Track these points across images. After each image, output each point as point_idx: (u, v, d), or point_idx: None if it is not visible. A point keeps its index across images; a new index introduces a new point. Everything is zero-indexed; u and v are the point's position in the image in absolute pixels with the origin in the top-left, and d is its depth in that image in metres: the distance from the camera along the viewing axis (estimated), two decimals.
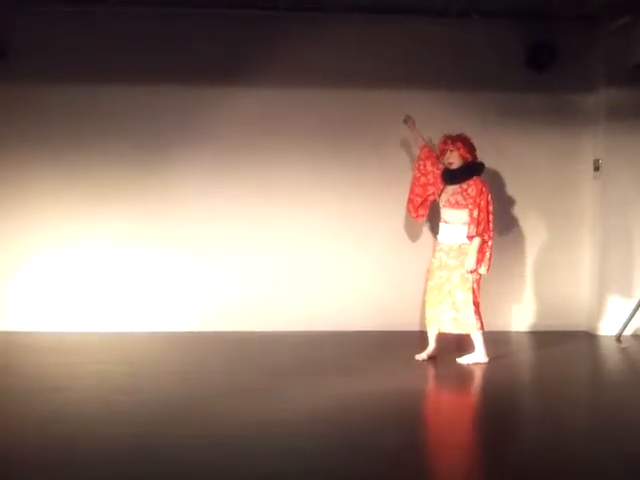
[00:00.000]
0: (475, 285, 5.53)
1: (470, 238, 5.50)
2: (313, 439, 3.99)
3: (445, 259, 5.59)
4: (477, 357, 5.58)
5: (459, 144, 5.62)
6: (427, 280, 5.78)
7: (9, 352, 5.93)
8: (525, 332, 6.76)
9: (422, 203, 5.88)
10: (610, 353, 6.20)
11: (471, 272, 5.48)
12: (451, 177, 5.64)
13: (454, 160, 5.63)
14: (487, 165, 6.48)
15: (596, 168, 6.71)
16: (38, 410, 4.44)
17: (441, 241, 5.65)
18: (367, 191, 6.67)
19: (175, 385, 4.99)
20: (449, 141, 5.65)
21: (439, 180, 5.74)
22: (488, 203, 5.54)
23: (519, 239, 6.79)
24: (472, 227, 5.48)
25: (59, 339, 6.25)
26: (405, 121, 5.97)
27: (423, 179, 5.84)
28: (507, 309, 6.81)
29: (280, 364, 5.56)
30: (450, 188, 5.64)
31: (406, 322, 6.57)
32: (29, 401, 4.61)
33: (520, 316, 6.82)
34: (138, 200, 6.59)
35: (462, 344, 5.76)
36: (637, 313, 6.45)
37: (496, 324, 6.67)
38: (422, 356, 5.69)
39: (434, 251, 5.74)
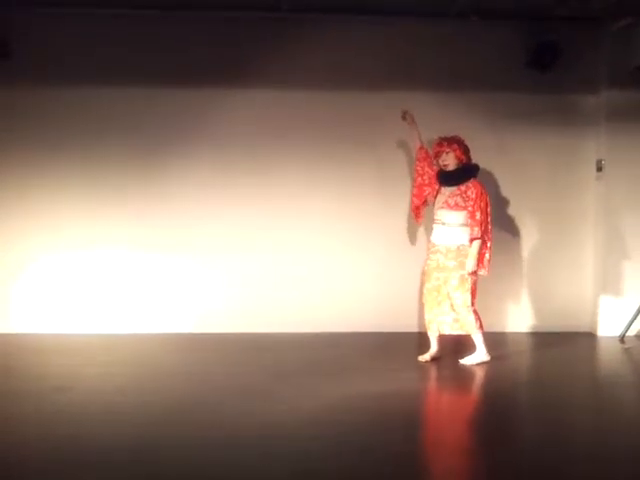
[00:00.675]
0: (473, 286, 5.54)
1: (473, 240, 5.50)
2: (315, 440, 3.98)
3: (443, 260, 5.58)
4: (479, 356, 5.59)
5: (455, 145, 5.62)
6: (423, 282, 5.77)
7: (12, 354, 5.94)
8: (528, 333, 6.74)
9: (421, 204, 5.87)
10: (614, 354, 6.18)
11: (471, 274, 5.49)
12: (448, 179, 5.64)
13: (450, 162, 5.63)
14: (489, 165, 6.56)
15: (599, 168, 6.71)
16: (40, 411, 4.45)
17: (437, 242, 5.63)
18: (367, 192, 6.65)
19: (177, 386, 4.99)
20: (444, 143, 5.64)
21: (434, 181, 5.73)
22: (487, 205, 5.58)
23: (521, 239, 6.78)
24: (476, 229, 5.50)
25: (61, 341, 6.25)
26: (403, 117, 5.92)
27: (420, 180, 5.83)
28: (510, 310, 6.80)
29: (282, 365, 5.56)
30: (446, 190, 5.63)
31: (406, 323, 6.58)
32: (32, 402, 4.62)
33: (523, 317, 6.80)
34: (139, 202, 6.59)
35: (463, 345, 5.74)
36: None
37: (498, 325, 6.69)
38: (425, 357, 5.69)
39: (429, 252, 5.71)
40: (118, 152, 6.54)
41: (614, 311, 6.62)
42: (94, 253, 6.61)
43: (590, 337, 6.66)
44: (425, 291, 5.70)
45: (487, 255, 5.59)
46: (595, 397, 5.14)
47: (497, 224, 6.61)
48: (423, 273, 5.81)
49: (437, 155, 5.69)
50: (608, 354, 6.21)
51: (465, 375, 5.44)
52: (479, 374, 5.45)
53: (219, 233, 6.65)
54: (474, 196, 5.53)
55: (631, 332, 6.53)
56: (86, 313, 6.61)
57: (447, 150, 5.62)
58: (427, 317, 5.69)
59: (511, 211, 6.73)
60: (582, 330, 6.75)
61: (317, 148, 6.64)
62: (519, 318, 6.80)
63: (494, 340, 6.26)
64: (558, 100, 6.67)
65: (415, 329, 6.56)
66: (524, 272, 6.79)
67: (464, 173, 5.64)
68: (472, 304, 5.54)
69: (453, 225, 5.58)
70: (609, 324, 6.64)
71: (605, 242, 6.65)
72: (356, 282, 6.70)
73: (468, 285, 5.51)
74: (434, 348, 5.72)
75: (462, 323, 5.55)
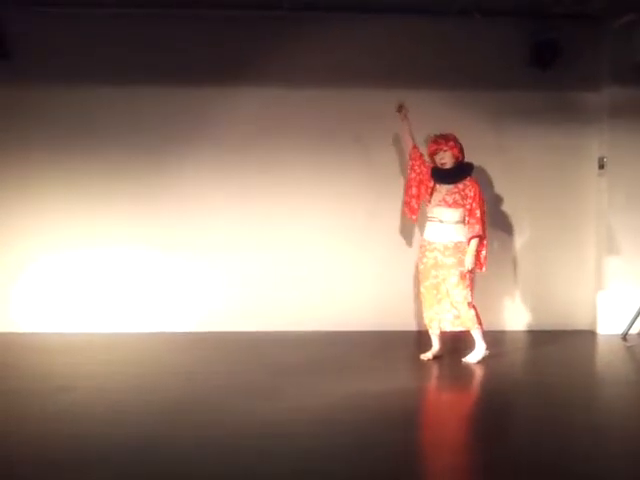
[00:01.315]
0: (470, 282, 5.58)
1: (474, 238, 5.52)
2: (316, 439, 3.99)
3: (441, 258, 5.57)
4: (480, 352, 5.59)
5: (452, 143, 5.62)
6: (419, 281, 5.75)
7: (14, 353, 5.94)
8: (529, 331, 6.74)
9: (418, 202, 5.83)
10: (616, 352, 6.17)
11: (469, 271, 5.52)
12: (445, 177, 5.64)
13: (447, 160, 5.63)
14: (490, 163, 6.60)
15: (600, 166, 6.70)
16: (43, 410, 4.46)
17: (434, 240, 5.62)
18: (368, 190, 6.65)
19: (179, 385, 5.00)
20: (442, 141, 5.63)
21: (428, 179, 5.72)
22: (484, 203, 5.65)
23: (523, 237, 6.77)
24: (477, 227, 5.53)
25: (64, 340, 6.26)
26: (399, 110, 5.86)
27: (416, 178, 5.80)
28: (510, 308, 6.80)
29: (283, 364, 5.56)
30: (443, 187, 5.63)
31: (406, 322, 6.59)
32: (34, 401, 4.63)
33: (524, 315, 6.80)
34: (140, 201, 6.59)
35: (464, 342, 5.74)
36: None
37: (499, 323, 6.70)
38: (427, 356, 5.69)
39: (424, 250, 5.68)
40: (119, 151, 6.53)
41: (615, 309, 6.62)
42: (96, 252, 6.61)
43: (591, 335, 6.66)
44: (423, 290, 5.69)
45: (484, 252, 5.63)
46: (597, 395, 5.15)
47: (498, 222, 6.65)
48: (419, 272, 5.78)
49: (434, 153, 5.67)
50: (610, 352, 6.20)
51: (466, 373, 5.44)
52: (481, 372, 5.45)
53: (220, 232, 6.65)
54: (472, 194, 5.57)
55: (633, 330, 6.52)
56: (88, 312, 6.61)
57: (445, 148, 5.62)
58: (427, 315, 5.69)
59: (512, 209, 6.73)
60: (584, 328, 6.75)
61: (318, 147, 6.63)
62: (520, 316, 6.80)
63: (495, 339, 6.27)
64: (560, 98, 6.66)
65: (414, 327, 6.57)
66: (525, 270, 6.78)
67: (462, 171, 5.66)
68: (471, 299, 5.56)
69: (450, 222, 5.58)
70: (610, 322, 6.63)
71: (607, 240, 6.65)
72: (356, 281, 6.70)
73: (467, 281, 5.54)
74: (436, 346, 5.73)
75: (463, 319, 5.56)
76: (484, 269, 5.66)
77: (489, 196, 6.63)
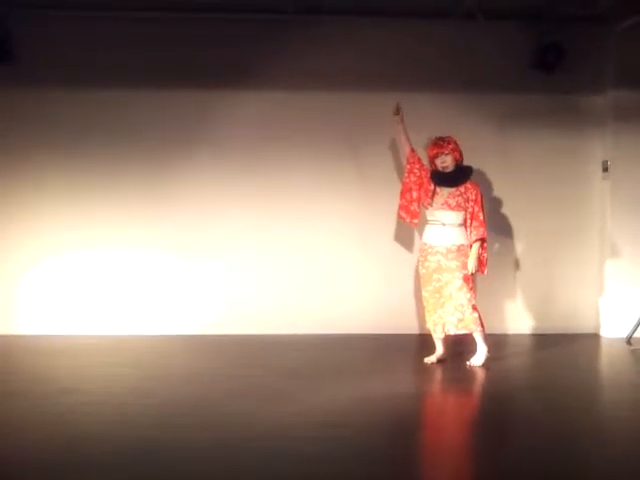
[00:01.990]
0: (472, 284, 5.60)
1: (478, 240, 5.54)
2: (318, 442, 3.97)
3: (444, 261, 5.56)
4: (483, 354, 5.58)
5: (453, 146, 5.62)
6: (421, 285, 5.71)
7: (18, 355, 5.94)
8: (532, 335, 6.72)
9: (418, 206, 5.79)
10: (620, 356, 6.15)
11: (472, 273, 5.53)
12: (447, 180, 5.62)
13: (449, 163, 5.61)
14: (494, 166, 6.64)
15: (605, 169, 6.69)
16: (46, 412, 4.44)
17: (436, 243, 5.59)
18: (371, 193, 6.64)
19: (183, 388, 4.99)
20: (444, 144, 5.61)
21: (427, 182, 5.69)
22: (484, 205, 5.67)
23: (526, 240, 6.76)
24: (481, 230, 5.56)
25: (68, 342, 6.26)
26: (396, 112, 5.81)
27: (417, 183, 5.75)
28: (514, 311, 6.79)
29: (284, 367, 5.55)
30: (445, 190, 5.61)
31: (409, 325, 6.59)
32: (37, 404, 4.61)
33: (527, 318, 6.79)
34: (142, 204, 6.60)
35: (466, 345, 5.73)
36: None
37: (503, 326, 6.71)
38: (431, 359, 5.68)
39: (426, 254, 5.64)
40: (123, 154, 6.55)
41: (619, 312, 6.60)
42: (98, 255, 6.62)
43: (595, 338, 6.64)
44: (426, 294, 5.66)
45: (485, 255, 5.65)
46: (601, 399, 5.14)
47: (501, 225, 6.66)
48: (420, 276, 5.74)
49: (435, 156, 5.64)
50: (614, 356, 6.18)
51: (470, 377, 5.42)
52: (484, 376, 5.43)
53: (222, 235, 6.66)
54: (474, 197, 5.58)
55: (638, 333, 6.49)
56: (91, 315, 6.61)
57: (446, 151, 5.60)
58: (431, 320, 5.66)
59: (516, 211, 6.72)
60: (588, 331, 6.73)
61: (321, 150, 6.63)
62: (523, 319, 6.79)
63: (498, 342, 6.28)
64: (564, 100, 6.66)
65: (417, 331, 6.57)
66: (528, 273, 6.77)
67: (463, 174, 5.66)
68: (475, 302, 5.58)
69: (453, 225, 5.58)
70: (614, 325, 6.62)
71: (611, 243, 6.64)
72: (358, 284, 6.69)
73: (471, 284, 5.56)
74: (440, 350, 5.71)
75: (466, 322, 5.54)
76: (485, 272, 5.67)
77: (492, 198, 6.64)
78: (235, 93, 6.55)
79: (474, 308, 5.53)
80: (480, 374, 5.47)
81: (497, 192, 6.69)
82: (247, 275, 6.67)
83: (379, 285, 6.66)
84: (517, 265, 6.75)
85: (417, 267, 5.89)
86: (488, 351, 5.59)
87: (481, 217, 5.57)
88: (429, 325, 5.72)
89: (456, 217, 5.58)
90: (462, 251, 5.55)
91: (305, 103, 6.57)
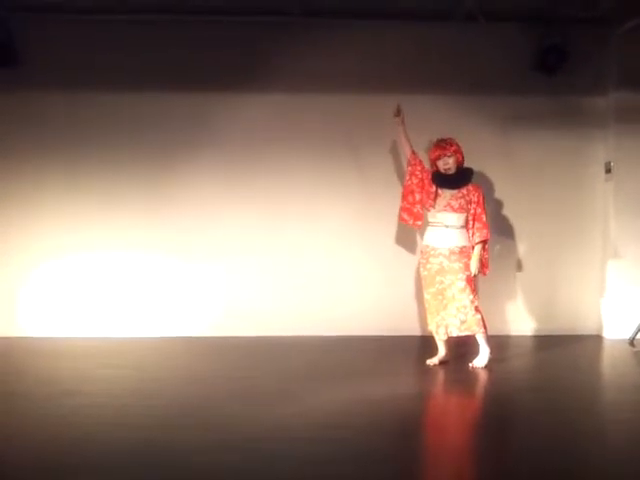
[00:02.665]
0: (474, 285, 5.62)
1: (482, 242, 5.57)
2: (319, 444, 3.97)
3: (447, 263, 5.56)
4: (486, 355, 5.58)
5: (455, 148, 5.62)
6: (423, 287, 5.70)
7: (20, 357, 5.95)
8: (535, 336, 6.72)
9: (421, 208, 5.78)
10: (623, 357, 6.14)
11: (474, 275, 5.55)
12: (450, 182, 5.62)
13: (451, 165, 5.61)
14: (497, 168, 6.65)
15: (607, 170, 6.69)
16: (49, 414, 4.45)
17: (438, 245, 5.59)
18: (373, 194, 6.64)
19: (184, 389, 4.99)
20: (447, 146, 5.61)
21: (429, 184, 5.68)
22: (485, 207, 5.70)
23: (529, 242, 6.76)
24: (484, 231, 5.59)
25: (69, 344, 6.27)
26: (398, 113, 5.79)
27: (420, 185, 5.74)
28: (517, 313, 6.79)
29: (285, 369, 5.55)
30: (447, 192, 5.61)
31: (410, 327, 6.59)
32: (39, 405, 4.62)
33: (530, 320, 6.78)
34: (145, 207, 6.62)
35: (469, 347, 5.73)
36: None
37: (505, 328, 6.71)
38: (433, 361, 5.67)
39: (427, 256, 5.63)
40: (123, 157, 6.57)
41: (622, 314, 6.60)
42: (98, 257, 6.64)
43: (598, 340, 6.63)
44: (429, 296, 5.65)
45: (486, 256, 5.68)
46: (604, 401, 5.13)
47: (504, 226, 6.67)
48: (422, 278, 5.73)
49: (438, 158, 5.63)
50: (617, 357, 6.17)
51: (472, 379, 5.42)
52: (486, 377, 5.43)
53: (223, 237, 6.68)
54: (476, 199, 5.60)
55: None
56: (93, 317, 6.62)
57: (449, 153, 5.60)
58: (434, 322, 5.65)
59: (518, 213, 6.72)
60: (591, 333, 6.73)
61: (322, 152, 6.63)
62: (526, 321, 6.79)
63: (501, 343, 6.28)
64: (566, 102, 6.66)
65: (418, 332, 6.57)
66: (531, 275, 6.77)
67: (465, 176, 5.66)
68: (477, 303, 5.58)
69: (455, 227, 5.59)
70: (617, 327, 6.61)
71: (613, 244, 6.63)
72: (360, 285, 6.70)
73: (473, 285, 5.57)
74: (442, 352, 5.70)
75: (469, 324, 5.53)
76: (487, 273, 5.70)
77: (494, 200, 6.65)
78: (236, 95, 6.56)
79: (477, 309, 5.52)
80: (482, 375, 5.46)
81: (499, 194, 6.69)
82: (247, 277, 6.68)
83: (380, 286, 6.66)
84: (520, 266, 6.76)
85: (418, 269, 5.89)
86: (490, 352, 5.59)
87: (484, 219, 5.60)
88: (431, 327, 5.71)
89: (458, 219, 5.59)
90: (464, 253, 5.56)
91: (306, 105, 6.58)
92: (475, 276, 5.60)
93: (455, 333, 5.59)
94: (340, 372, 5.45)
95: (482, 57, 6.59)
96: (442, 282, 5.58)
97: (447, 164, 5.61)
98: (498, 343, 6.15)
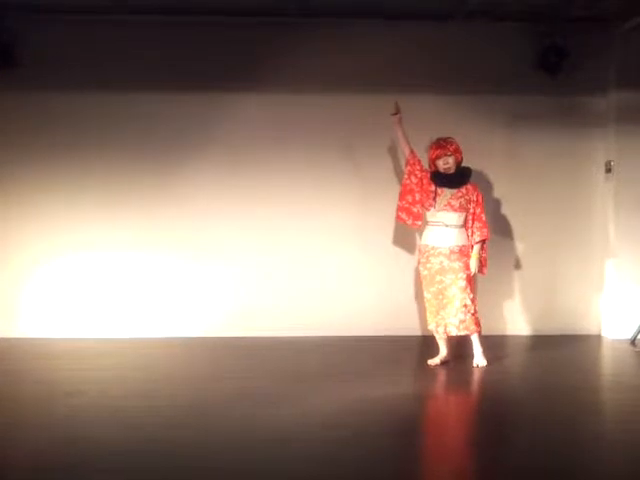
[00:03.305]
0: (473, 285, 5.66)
1: (482, 241, 5.61)
2: (320, 444, 3.98)
3: (447, 262, 5.57)
4: (482, 354, 5.63)
5: (455, 147, 5.62)
6: (424, 287, 5.69)
7: (22, 358, 5.95)
8: (535, 335, 6.71)
9: (421, 209, 5.76)
10: (624, 357, 6.14)
11: (473, 274, 5.58)
12: (450, 181, 5.62)
13: (452, 164, 5.62)
14: (497, 167, 6.67)
15: (608, 170, 6.69)
16: (51, 415, 4.46)
17: (438, 245, 5.60)
18: (374, 194, 6.62)
19: (187, 390, 5.00)
20: (447, 145, 5.61)
21: (428, 184, 5.67)
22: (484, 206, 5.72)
23: (529, 241, 6.76)
24: (484, 231, 5.62)
25: (72, 345, 6.27)
26: (396, 111, 5.78)
27: (419, 184, 5.72)
28: (517, 312, 6.78)
29: (286, 370, 5.56)
30: (447, 191, 5.61)
31: (411, 326, 6.59)
32: (42, 406, 4.63)
33: (530, 319, 6.78)
34: (148, 207, 6.61)
35: (470, 347, 5.72)
36: None
37: (505, 327, 6.72)
38: (435, 361, 5.68)
39: (428, 256, 5.63)
40: (129, 157, 6.57)
41: (623, 314, 6.59)
42: (100, 257, 6.63)
43: (597, 340, 6.63)
44: (429, 295, 5.65)
45: (484, 255, 5.70)
46: (604, 401, 5.13)
47: (504, 225, 6.66)
48: (421, 278, 5.73)
49: (438, 157, 5.62)
50: (618, 357, 6.17)
51: (472, 378, 5.43)
52: (487, 378, 5.43)
53: (230, 238, 6.67)
54: (475, 198, 5.63)
55: None
56: (93, 317, 6.63)
57: (449, 153, 5.61)
58: (434, 321, 5.66)
59: (519, 212, 6.72)
60: (592, 333, 6.73)
61: (321, 151, 6.62)
62: (526, 320, 6.78)
63: (502, 343, 6.31)
64: (566, 102, 6.65)
65: (419, 332, 6.57)
66: (531, 274, 6.76)
67: (464, 175, 5.67)
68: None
69: (455, 226, 5.60)
70: (618, 327, 6.61)
71: (614, 244, 6.63)
72: (360, 285, 6.69)
73: (472, 284, 5.59)
74: (443, 352, 5.71)
75: (468, 323, 5.55)
76: (485, 272, 5.71)
77: (494, 199, 6.66)
78: (236, 95, 6.55)
79: (475, 309, 5.56)
80: (482, 375, 5.46)
81: (499, 193, 6.69)
82: (246, 277, 6.67)
83: (379, 286, 6.66)
84: (520, 266, 6.76)
85: (417, 268, 5.88)
86: (484, 352, 5.62)
87: (483, 218, 5.64)
88: (431, 326, 5.72)
89: (458, 218, 5.60)
90: (464, 252, 5.58)
91: (306, 105, 6.57)
92: (474, 275, 5.61)
93: (454, 332, 5.60)
94: (339, 372, 5.45)
95: (482, 57, 6.58)
96: (442, 281, 5.59)
97: (447, 163, 5.62)
98: (499, 343, 6.17)
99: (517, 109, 6.64)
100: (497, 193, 6.69)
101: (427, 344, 6.04)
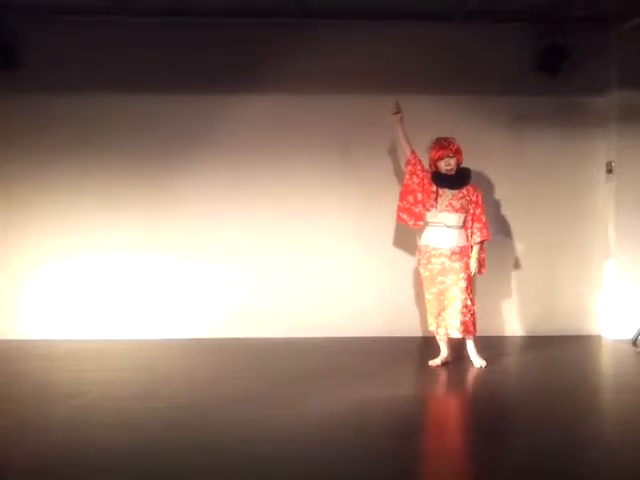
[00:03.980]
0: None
1: (483, 241, 5.63)
2: (321, 445, 3.98)
3: (448, 263, 5.57)
4: (478, 355, 5.66)
5: (456, 148, 5.62)
6: (425, 288, 5.68)
7: (23, 360, 5.95)
8: (535, 336, 6.69)
9: (423, 209, 5.74)
10: (625, 357, 6.12)
11: (472, 274, 5.60)
12: (451, 182, 5.61)
13: (453, 165, 5.61)
14: (498, 167, 6.65)
15: (609, 170, 6.68)
16: (53, 417, 4.47)
17: (440, 245, 5.59)
18: (377, 194, 6.61)
19: (188, 391, 5.00)
20: (450, 146, 5.60)
21: (429, 184, 5.65)
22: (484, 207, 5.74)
23: (529, 241, 6.74)
24: (485, 231, 5.64)
25: (72, 347, 6.27)
26: (396, 111, 5.74)
27: (420, 185, 5.70)
28: (517, 313, 6.77)
29: (291, 370, 5.55)
30: (448, 192, 5.61)
31: (411, 327, 6.59)
32: (43, 408, 4.64)
33: (530, 320, 6.77)
34: (148, 208, 6.61)
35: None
36: None
37: (505, 328, 6.72)
38: (436, 362, 5.68)
39: (429, 256, 5.62)
40: (129, 158, 6.56)
41: (624, 314, 6.58)
42: (102, 258, 6.63)
43: (597, 340, 6.62)
44: (430, 297, 5.64)
45: (483, 255, 5.71)
46: (605, 401, 5.12)
47: (504, 226, 6.67)
48: (422, 279, 5.72)
49: (440, 158, 5.60)
50: (618, 358, 6.15)
51: (472, 379, 5.43)
52: (487, 378, 5.42)
53: (224, 238, 6.65)
54: (476, 199, 5.64)
55: None
56: (96, 319, 6.63)
57: (452, 154, 5.60)
58: (435, 322, 5.65)
59: (519, 213, 6.71)
60: (593, 333, 6.72)
61: (322, 152, 6.60)
62: (526, 321, 6.77)
63: (502, 344, 6.31)
64: (567, 102, 6.64)
65: (420, 333, 6.57)
66: (531, 274, 6.75)
67: (465, 176, 5.67)
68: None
69: (456, 227, 5.60)
70: (619, 327, 6.59)
71: (615, 244, 6.62)
72: (361, 286, 6.67)
73: (472, 285, 5.60)
74: (444, 352, 5.71)
75: (467, 325, 5.56)
76: (484, 272, 5.73)
77: (495, 199, 6.66)
78: (236, 96, 6.54)
79: (474, 311, 5.58)
80: (482, 376, 5.46)
81: (499, 193, 6.68)
82: (247, 278, 6.66)
83: (379, 287, 6.65)
84: (520, 266, 6.75)
85: (416, 269, 5.88)
86: (479, 352, 5.66)
87: (484, 219, 5.65)
88: (431, 327, 5.71)
89: (459, 219, 5.60)
90: (464, 252, 5.60)
91: (307, 105, 6.55)
92: (473, 276, 5.62)
93: (454, 334, 5.60)
94: (339, 373, 5.45)
95: (482, 57, 6.57)
96: (444, 282, 5.58)
97: (449, 165, 5.61)
98: (499, 343, 6.17)
99: (517, 109, 6.63)
100: (497, 193, 6.68)
101: (427, 345, 6.04)
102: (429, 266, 5.63)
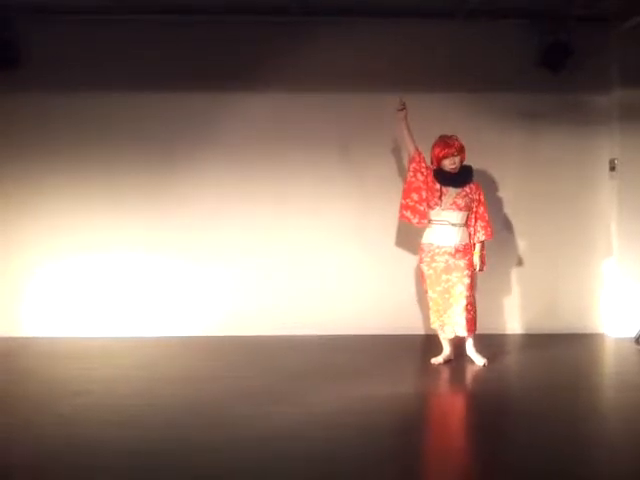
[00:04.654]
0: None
1: (487, 239, 5.65)
2: (326, 443, 3.98)
3: (452, 261, 5.55)
4: (478, 353, 5.67)
5: (461, 146, 5.60)
6: (429, 286, 5.64)
7: (26, 358, 5.97)
8: (538, 334, 6.67)
9: (427, 207, 5.70)
10: (627, 355, 6.11)
11: (476, 271, 5.63)
12: (455, 180, 5.60)
13: (458, 164, 5.59)
14: (501, 165, 6.64)
15: (612, 168, 6.66)
16: (57, 414, 4.48)
17: (444, 244, 5.57)
18: (379, 192, 6.61)
19: (190, 389, 5.01)
20: (455, 144, 5.57)
21: (433, 182, 5.61)
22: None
23: (532, 239, 6.73)
24: (489, 229, 5.65)
25: (75, 344, 6.28)
26: (401, 107, 5.67)
27: (425, 182, 5.64)
28: (521, 310, 6.76)
29: (293, 368, 5.56)
30: (452, 190, 5.59)
31: (413, 325, 6.58)
32: (46, 405, 4.65)
33: (533, 318, 6.75)
34: (146, 206, 6.61)
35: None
36: None
37: (508, 326, 6.70)
38: (438, 360, 5.67)
39: (433, 255, 5.59)
40: (125, 157, 6.57)
41: (627, 312, 6.57)
42: (106, 256, 6.64)
43: (601, 338, 6.60)
44: (435, 295, 5.61)
45: (484, 252, 5.72)
46: (608, 399, 5.11)
47: (506, 224, 6.66)
48: (425, 277, 5.66)
49: (445, 156, 5.55)
50: (621, 356, 6.13)
51: (474, 377, 5.43)
52: (489, 376, 5.42)
53: (224, 237, 6.65)
54: (478, 197, 5.64)
55: None
56: (96, 317, 6.64)
57: (455, 152, 5.57)
58: (439, 320, 5.62)
59: (522, 211, 6.70)
60: (596, 331, 6.70)
61: (323, 150, 6.60)
62: (528, 319, 6.76)
63: (503, 342, 6.29)
64: (570, 100, 6.63)
65: (422, 331, 6.56)
66: (534, 272, 6.74)
67: (469, 174, 5.66)
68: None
69: (460, 225, 5.59)
70: (623, 325, 6.58)
71: (617, 242, 6.60)
72: (361, 284, 6.67)
73: (474, 283, 5.63)
74: (447, 350, 5.71)
75: (471, 322, 5.57)
76: (485, 269, 5.74)
77: (497, 197, 6.65)
78: (236, 95, 6.54)
79: (475, 308, 5.59)
80: (486, 374, 5.45)
81: (502, 191, 6.67)
82: (247, 276, 6.66)
83: (380, 285, 6.64)
84: (523, 264, 6.74)
85: (418, 267, 5.87)
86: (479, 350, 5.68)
87: (487, 217, 5.65)
88: (434, 325, 5.69)
89: (462, 217, 5.60)
90: (467, 250, 5.60)
91: (307, 104, 6.54)
92: (475, 274, 5.63)
93: (462, 333, 5.57)
94: (340, 371, 5.45)
95: (484, 55, 6.56)
96: (449, 280, 5.57)
97: (454, 163, 5.58)
98: (501, 341, 6.16)
99: (520, 107, 6.62)
100: (499, 191, 6.67)
101: (429, 343, 6.03)
102: (433, 264, 5.61)
